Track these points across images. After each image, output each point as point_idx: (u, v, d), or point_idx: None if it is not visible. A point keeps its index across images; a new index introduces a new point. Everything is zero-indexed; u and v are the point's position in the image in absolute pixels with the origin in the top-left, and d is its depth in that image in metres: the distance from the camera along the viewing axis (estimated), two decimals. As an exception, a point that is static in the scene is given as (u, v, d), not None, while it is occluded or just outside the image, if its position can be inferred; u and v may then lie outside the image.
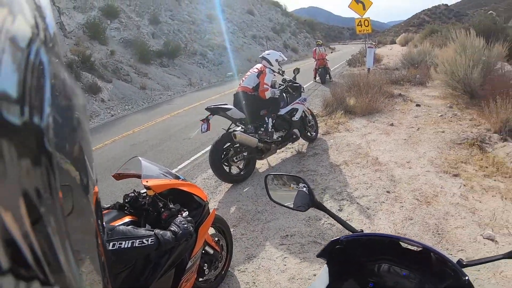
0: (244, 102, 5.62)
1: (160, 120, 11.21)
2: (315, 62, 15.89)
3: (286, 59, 6.33)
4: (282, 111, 6.08)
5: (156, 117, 11.88)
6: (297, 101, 6.40)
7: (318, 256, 1.38)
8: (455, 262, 1.13)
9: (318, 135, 7.23)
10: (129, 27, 22.40)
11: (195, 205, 2.61)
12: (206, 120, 5.35)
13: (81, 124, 0.45)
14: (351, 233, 1.39)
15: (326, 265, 1.37)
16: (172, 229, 2.07)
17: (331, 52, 33.35)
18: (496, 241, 3.55)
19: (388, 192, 4.72)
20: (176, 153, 7.46)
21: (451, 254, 3.39)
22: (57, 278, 0.33)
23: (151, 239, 1.89)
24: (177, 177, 2.68)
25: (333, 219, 1.47)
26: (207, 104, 5.63)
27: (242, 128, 5.57)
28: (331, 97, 9.34)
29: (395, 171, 5.32)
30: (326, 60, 15.77)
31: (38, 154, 0.32)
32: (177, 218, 2.19)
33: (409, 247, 1.26)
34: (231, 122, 5.67)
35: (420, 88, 11.45)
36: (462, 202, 4.31)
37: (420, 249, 1.20)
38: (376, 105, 8.84)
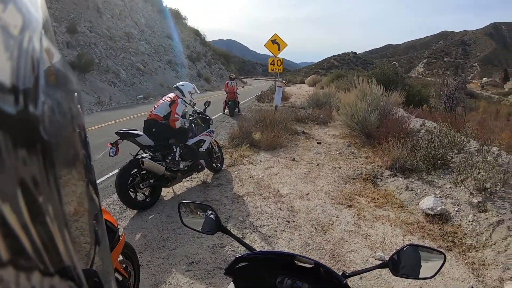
0: (154, 129, 5.61)
1: None
2: (226, 95, 16.15)
3: (198, 92, 6.49)
4: (190, 142, 6.15)
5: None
6: (205, 132, 6.51)
7: (225, 273, 1.49)
8: (340, 273, 1.36)
9: (223, 166, 7.35)
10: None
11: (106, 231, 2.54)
12: (115, 144, 5.22)
13: (76, 111, 0.45)
14: None
15: (232, 282, 1.50)
16: None
17: (243, 86, 34.15)
18: (386, 261, 3.95)
19: (288, 221, 4.98)
20: None
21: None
22: (56, 267, 0.33)
23: None
24: None
25: (237, 242, 1.64)
26: (114, 126, 5.51)
27: (150, 155, 5.52)
28: (238, 130, 9.53)
29: (294, 202, 5.64)
30: (237, 94, 16.14)
31: (34, 143, 0.32)
32: None
33: (303, 264, 1.43)
34: (139, 148, 5.61)
35: (323, 127, 12.27)
36: (355, 230, 4.76)
37: (312, 265, 1.38)
38: (280, 141, 9.25)
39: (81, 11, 25.87)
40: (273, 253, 1.55)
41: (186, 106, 6.06)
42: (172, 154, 5.67)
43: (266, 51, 13.25)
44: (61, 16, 23.34)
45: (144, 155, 5.45)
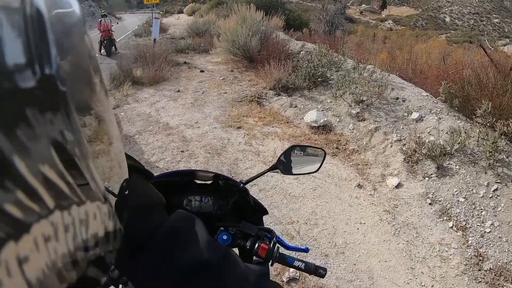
0: None
1: None
2: (100, 34, 15.05)
3: None
4: None
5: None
6: None
7: None
8: (238, 181, 1.40)
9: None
10: None
11: None
12: None
13: (88, 58, 0.44)
14: None
15: None
16: None
17: (117, 23, 32.05)
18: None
19: (182, 151, 5.02)
20: None
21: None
22: (87, 195, 0.36)
23: None
24: None
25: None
26: None
27: None
28: (117, 70, 9.05)
29: (185, 132, 5.66)
30: (112, 31, 15.06)
31: (56, 100, 0.33)
32: None
33: (203, 182, 1.47)
34: None
35: (204, 56, 12.08)
36: (247, 148, 5.00)
37: (211, 180, 1.41)
38: (162, 74, 8.98)
39: None
40: (172, 173, 1.49)
41: None
42: None
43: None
44: None
45: None
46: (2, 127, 0.26)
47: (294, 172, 1.48)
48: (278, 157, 1.47)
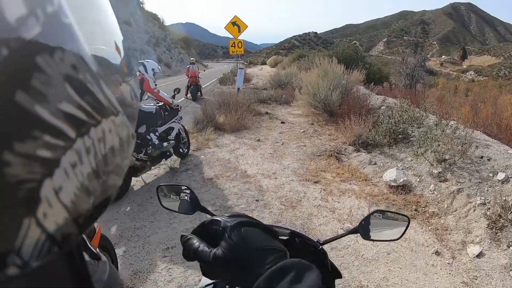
0: None
1: None
2: (188, 79, 15.97)
3: (161, 73, 6.29)
4: (160, 130, 5.98)
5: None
6: (174, 120, 6.36)
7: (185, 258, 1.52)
8: (315, 241, 1.38)
9: (190, 151, 7.32)
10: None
11: None
12: None
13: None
14: None
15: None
16: None
17: (204, 70, 33.75)
18: (354, 232, 4.11)
19: (257, 200, 5.06)
20: None
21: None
22: (101, 114, 0.38)
23: None
24: None
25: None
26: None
27: None
28: (201, 115, 9.46)
29: (262, 182, 5.71)
30: (199, 78, 15.98)
31: (63, 36, 0.34)
32: None
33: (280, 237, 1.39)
34: None
35: (286, 107, 12.37)
36: (323, 204, 4.91)
37: (287, 236, 1.38)
38: (244, 123, 9.27)
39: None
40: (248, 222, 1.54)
41: (155, 82, 5.94)
42: (150, 142, 5.54)
43: (226, 33, 13.24)
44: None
45: None
46: (18, 85, 0.27)
47: (374, 238, 1.41)
48: (360, 221, 1.42)
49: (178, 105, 6.64)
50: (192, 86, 15.67)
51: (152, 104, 6.05)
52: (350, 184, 5.54)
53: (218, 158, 6.97)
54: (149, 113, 5.71)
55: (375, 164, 6.19)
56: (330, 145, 7.36)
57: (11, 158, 0.27)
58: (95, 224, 3.00)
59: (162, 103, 6.22)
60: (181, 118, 6.65)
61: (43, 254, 0.31)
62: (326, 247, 1.41)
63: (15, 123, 0.27)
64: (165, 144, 5.87)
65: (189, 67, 16.00)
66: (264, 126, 9.56)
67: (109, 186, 0.41)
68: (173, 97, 6.53)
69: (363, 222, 1.40)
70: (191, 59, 17.76)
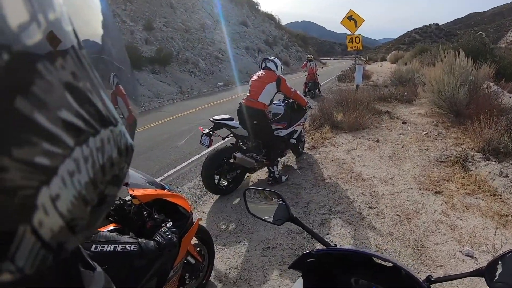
0: (255, 122, 5.28)
1: (149, 127, 11.12)
2: (305, 76, 16.02)
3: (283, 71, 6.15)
4: (283, 133, 5.83)
5: (145, 123, 11.79)
6: (299, 122, 6.17)
7: (290, 267, 1.42)
8: (423, 279, 1.16)
9: (304, 149, 7.22)
10: (123, 31, 22.24)
11: (179, 216, 2.58)
12: (208, 135, 5.19)
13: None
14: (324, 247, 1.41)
15: (301, 277, 1.40)
16: (156, 239, 2.05)
17: (322, 67, 33.56)
18: (475, 257, 3.61)
19: (370, 207, 4.76)
20: (162, 162, 7.38)
21: (429, 270, 3.45)
22: (100, 123, 0.39)
23: (134, 246, 1.87)
24: (163, 187, 2.66)
25: (307, 233, 1.51)
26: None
27: (242, 146, 5.44)
28: (319, 112, 9.32)
29: (378, 187, 5.37)
30: (317, 75, 15.91)
31: (64, 43, 0.34)
32: (162, 229, 2.17)
33: (382, 262, 1.29)
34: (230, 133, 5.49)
35: (407, 106, 11.58)
36: (442, 219, 4.38)
37: (391, 265, 1.22)
38: (362, 121, 8.89)
39: (155, 8, 27.18)
40: (345, 250, 1.37)
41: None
42: (265, 150, 5.50)
43: (343, 30, 12.82)
44: (137, 15, 24.74)
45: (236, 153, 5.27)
46: (19, 91, 0.28)
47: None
48: (489, 262, 1.11)
49: (310, 106, 6.48)
50: (310, 83, 15.70)
51: (281, 104, 5.99)
52: (476, 198, 4.87)
53: (333, 158, 6.79)
54: (276, 114, 5.67)
55: (507, 176, 5.34)
56: (455, 150, 6.64)
57: (9, 163, 0.28)
58: (198, 215, 3.13)
59: (291, 100, 6.09)
60: (305, 119, 6.50)
61: (38, 262, 0.32)
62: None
63: (14, 128, 0.28)
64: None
65: (306, 63, 16.08)
66: (384, 126, 9.05)
67: (106, 195, 0.42)
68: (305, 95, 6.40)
69: (491, 264, 1.10)
70: (309, 55, 17.74)
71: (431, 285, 1.16)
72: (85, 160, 0.36)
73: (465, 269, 3.45)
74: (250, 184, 5.85)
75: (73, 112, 0.34)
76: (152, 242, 2.00)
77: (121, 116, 0.50)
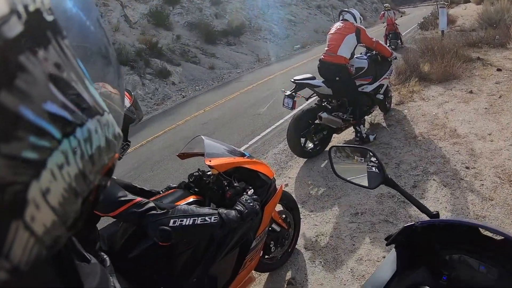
0: (337, 78, 5.02)
1: (230, 98, 11.31)
2: (385, 27, 15.23)
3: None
4: (369, 88, 5.56)
5: (226, 95, 12.01)
6: (385, 76, 5.82)
7: (388, 244, 1.29)
8: None
9: (392, 105, 6.88)
10: (191, 10, 22.57)
11: (260, 183, 2.55)
12: (291, 96, 5.08)
13: None
14: (425, 217, 1.26)
15: (394, 249, 1.29)
16: (237, 208, 2.04)
17: (401, 16, 31.68)
18: None
19: (467, 168, 4.38)
20: (246, 130, 7.51)
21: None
22: (87, 113, 0.39)
23: (214, 217, 1.88)
24: (242, 155, 2.65)
25: (406, 199, 1.34)
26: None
27: (327, 105, 5.29)
28: (403, 64, 8.74)
29: (475, 144, 4.92)
30: (396, 25, 15.00)
31: (46, 34, 0.34)
32: (243, 197, 2.16)
33: (490, 234, 1.13)
34: (312, 92, 5.37)
35: (501, 51, 10.39)
36: (552, 184, 3.87)
37: (502, 238, 1.04)
38: (452, 71, 8.16)
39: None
40: (453, 222, 1.23)
41: None
42: (351, 108, 5.29)
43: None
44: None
45: (322, 113, 5.15)
46: (2, 85, 0.27)
47: None
48: None
49: (396, 57, 6.15)
50: (390, 34, 14.87)
51: (364, 57, 5.71)
52: None
53: (423, 113, 6.40)
54: (359, 68, 5.41)
55: None
56: None
57: None
58: (282, 184, 3.14)
59: (374, 53, 5.78)
60: (391, 72, 6.16)
61: (32, 257, 0.32)
62: None
63: (0, 124, 0.28)
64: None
65: (384, 13, 15.26)
66: (476, 74, 8.22)
67: (97, 186, 0.42)
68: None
69: None
70: (385, 5, 16.79)
71: None
72: (74, 151, 0.36)
73: None
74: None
75: (58, 103, 0.34)
76: (233, 212, 1.98)
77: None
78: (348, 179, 1.47)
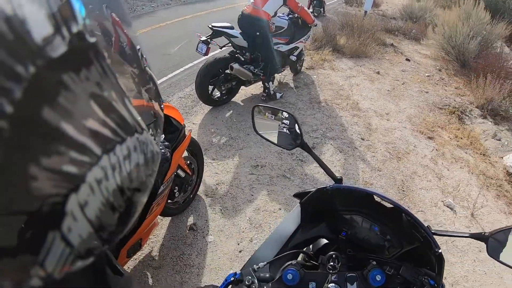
0: (258, 33, 4.93)
1: (140, 33, 10.49)
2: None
3: None
4: (284, 48, 5.57)
5: (136, 29, 11.10)
6: (302, 39, 5.86)
7: (295, 195, 1.42)
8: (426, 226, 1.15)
9: (302, 68, 6.96)
10: None
11: (172, 129, 2.48)
12: (206, 42, 4.86)
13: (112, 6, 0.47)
14: (332, 181, 1.37)
15: (299, 204, 1.38)
16: None
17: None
18: (455, 211, 3.69)
19: (362, 139, 4.73)
20: (153, 69, 6.98)
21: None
22: (126, 131, 0.39)
23: None
24: None
25: (316, 162, 1.44)
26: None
27: (240, 57, 5.16)
28: (321, 32, 8.84)
29: (372, 119, 5.30)
30: (323, -8, 15.02)
31: (88, 55, 0.34)
32: None
33: (383, 202, 1.27)
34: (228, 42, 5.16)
35: (413, 44, 11.13)
36: (431, 166, 4.42)
37: (392, 207, 1.20)
38: (366, 50, 8.53)
39: None
40: (355, 189, 1.33)
41: None
42: (263, 63, 5.23)
43: None
44: None
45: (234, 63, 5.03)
46: (46, 102, 0.28)
47: (504, 260, 1.12)
48: (492, 231, 1.14)
49: (316, 24, 6.21)
50: (315, 1, 14.80)
51: (286, 18, 5.65)
52: (466, 152, 4.86)
53: (331, 82, 6.59)
54: (279, 27, 5.36)
55: (500, 140, 5.30)
56: (455, 100, 6.51)
57: (38, 172, 0.28)
58: (188, 127, 3.08)
59: (296, 15, 5.72)
60: (308, 37, 6.18)
61: (67, 267, 0.33)
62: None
63: (42, 138, 0.29)
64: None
65: None
66: (386, 58, 8.71)
67: (134, 202, 0.43)
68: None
69: (495, 235, 1.14)
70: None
71: (437, 245, 1.12)
72: (113, 167, 0.36)
73: (443, 219, 3.57)
74: (243, 98, 5.64)
75: (99, 121, 0.34)
76: None
77: (124, 44, 0.51)
78: (266, 137, 1.53)
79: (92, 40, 0.35)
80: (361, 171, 4.03)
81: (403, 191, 3.84)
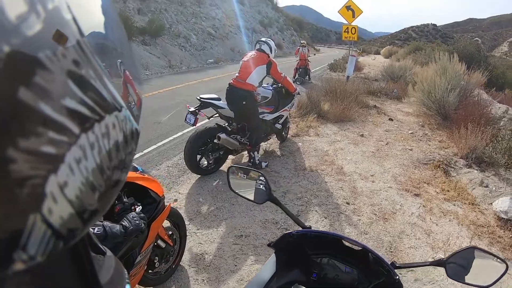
0: (244, 102, 5.12)
1: None
2: (297, 61, 15.99)
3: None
4: (269, 117, 5.78)
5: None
6: (286, 108, 6.10)
7: (269, 245, 1.51)
8: (389, 263, 1.29)
9: (288, 136, 7.12)
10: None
11: (150, 200, 2.53)
12: (194, 113, 5.06)
13: None
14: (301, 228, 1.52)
15: (274, 254, 1.50)
16: (123, 223, 2.00)
17: (315, 54, 33.35)
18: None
19: (347, 203, 4.71)
20: (144, 137, 7.12)
21: (400, 273, 3.39)
22: (104, 109, 0.38)
23: (98, 229, 1.83)
24: (135, 169, 2.60)
25: (286, 215, 1.56)
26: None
27: (227, 127, 5.36)
28: (306, 100, 9.17)
29: (358, 183, 5.32)
30: (308, 61, 15.90)
31: (64, 31, 0.34)
32: (130, 213, 2.12)
33: (352, 246, 1.40)
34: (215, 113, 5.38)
35: (396, 103, 11.52)
36: (419, 223, 4.37)
37: (360, 248, 1.35)
38: (349, 114, 8.80)
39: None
40: (322, 233, 1.49)
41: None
42: (250, 133, 5.36)
43: (340, 19, 12.71)
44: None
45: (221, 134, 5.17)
46: (21, 82, 0.28)
47: (460, 279, 1.25)
48: (450, 254, 1.29)
49: (299, 93, 6.44)
50: (300, 69, 15.76)
51: (270, 88, 5.91)
52: (454, 205, 4.84)
53: (316, 148, 6.70)
54: (263, 97, 5.59)
55: (487, 186, 5.32)
56: (439, 154, 6.61)
57: (16, 154, 0.28)
58: (171, 200, 3.09)
59: (280, 85, 5.97)
60: (293, 105, 6.41)
61: (49, 249, 0.33)
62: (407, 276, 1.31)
63: (19, 120, 0.28)
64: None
65: (299, 48, 16.08)
66: (370, 120, 8.97)
67: (114, 181, 0.42)
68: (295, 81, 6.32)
69: (453, 257, 1.29)
70: (302, 41, 17.76)
71: (397, 274, 1.27)
72: (91, 146, 0.36)
73: (436, 276, 3.46)
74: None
75: (77, 99, 0.34)
76: (118, 226, 1.95)
77: (132, 103, 0.53)
78: (241, 195, 1.65)
79: (68, 16, 0.35)
80: (347, 236, 3.96)
81: (391, 251, 3.76)
